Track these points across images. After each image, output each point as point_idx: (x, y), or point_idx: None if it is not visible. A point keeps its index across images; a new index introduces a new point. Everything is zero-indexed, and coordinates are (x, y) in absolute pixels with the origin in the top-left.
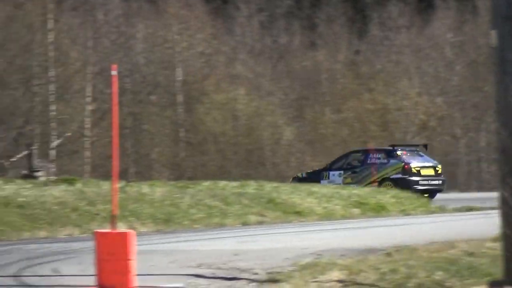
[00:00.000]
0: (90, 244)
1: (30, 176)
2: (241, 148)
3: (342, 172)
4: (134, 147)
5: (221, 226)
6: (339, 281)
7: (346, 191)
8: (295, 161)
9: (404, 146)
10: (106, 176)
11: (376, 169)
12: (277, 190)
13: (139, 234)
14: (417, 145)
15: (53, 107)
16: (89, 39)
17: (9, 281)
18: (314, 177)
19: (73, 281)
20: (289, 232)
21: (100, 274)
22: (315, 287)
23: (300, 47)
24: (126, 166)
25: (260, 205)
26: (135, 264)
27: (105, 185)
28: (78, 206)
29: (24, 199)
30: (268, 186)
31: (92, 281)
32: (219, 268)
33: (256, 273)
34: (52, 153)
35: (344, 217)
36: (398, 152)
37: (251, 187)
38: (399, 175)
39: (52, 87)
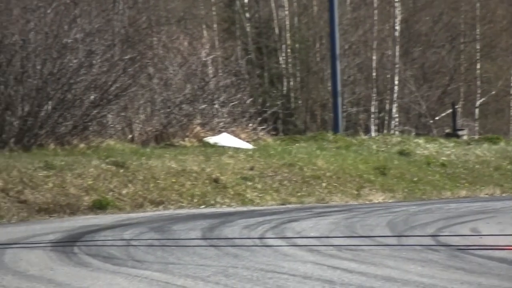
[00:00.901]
0: (511, 203)
1: (453, 135)
2: None
3: None
4: None
5: None
6: None
7: None
8: None
9: None
10: None
11: None
12: None
13: None
14: None
15: (478, 66)
16: None
17: (428, 240)
18: None
19: (491, 241)
20: None
21: None
22: None
23: None
24: None
25: None
26: None
27: None
28: (500, 165)
29: (446, 158)
30: None
31: (510, 241)
32: None
33: None
34: (476, 111)
35: None
36: None
37: None
38: None
39: (477, 45)
